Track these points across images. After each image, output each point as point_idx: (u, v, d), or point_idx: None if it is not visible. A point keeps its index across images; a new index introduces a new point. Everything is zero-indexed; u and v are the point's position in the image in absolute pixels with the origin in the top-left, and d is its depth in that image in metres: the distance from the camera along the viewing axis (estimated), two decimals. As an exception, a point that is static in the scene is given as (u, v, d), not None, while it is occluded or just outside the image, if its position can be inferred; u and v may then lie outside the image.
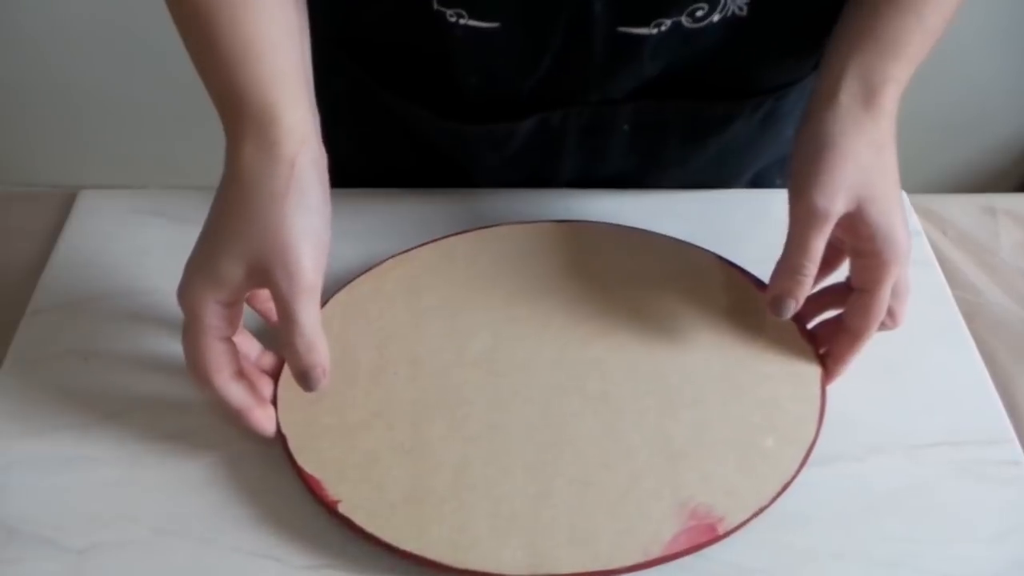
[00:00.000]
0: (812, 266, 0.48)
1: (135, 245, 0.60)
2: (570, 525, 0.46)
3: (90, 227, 0.61)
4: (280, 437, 0.48)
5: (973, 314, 0.60)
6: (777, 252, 0.55)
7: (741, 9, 0.52)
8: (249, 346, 0.51)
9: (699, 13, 0.51)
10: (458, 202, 0.63)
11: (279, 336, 0.46)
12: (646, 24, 0.51)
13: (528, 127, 0.59)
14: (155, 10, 0.48)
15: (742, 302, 0.55)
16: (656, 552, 0.45)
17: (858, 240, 0.48)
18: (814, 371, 0.52)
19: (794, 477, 0.47)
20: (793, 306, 0.49)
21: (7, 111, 1.53)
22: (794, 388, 0.51)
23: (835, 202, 0.46)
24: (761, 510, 0.46)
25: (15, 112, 1.53)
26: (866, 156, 0.47)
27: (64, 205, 0.64)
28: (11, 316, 0.56)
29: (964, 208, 0.67)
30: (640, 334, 0.53)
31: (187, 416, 0.51)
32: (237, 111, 0.45)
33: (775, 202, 0.57)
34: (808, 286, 0.48)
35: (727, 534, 0.45)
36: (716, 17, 0.52)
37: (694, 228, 0.59)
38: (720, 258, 0.57)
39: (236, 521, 0.47)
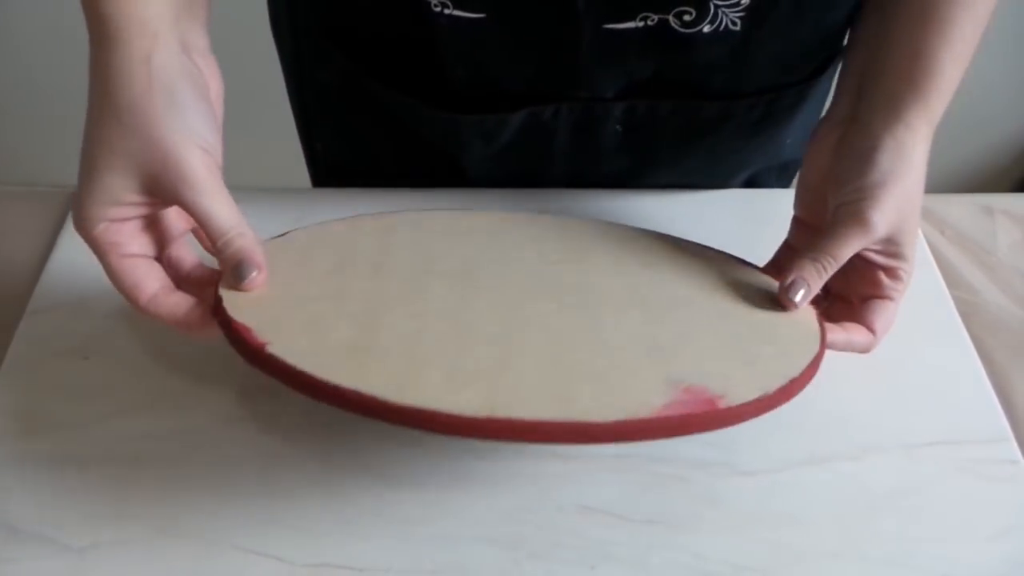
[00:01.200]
0: (835, 266, 0.48)
1: (135, 245, 0.60)
2: (540, 381, 0.39)
3: (90, 227, 0.61)
4: (215, 299, 0.43)
5: (970, 313, 0.60)
6: (773, 252, 0.55)
7: (735, 24, 0.52)
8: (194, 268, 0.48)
9: (687, 17, 0.51)
10: (453, 201, 0.63)
11: (208, 241, 0.44)
12: (632, 18, 0.52)
13: (519, 120, 0.59)
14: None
15: (735, 272, 0.52)
16: (644, 414, 0.37)
17: (886, 256, 0.49)
18: (810, 315, 0.48)
19: (802, 378, 0.43)
20: (805, 292, 0.48)
21: (7, 111, 1.53)
22: (790, 320, 0.47)
23: (885, 222, 0.47)
24: (767, 400, 0.40)
25: (15, 112, 1.53)
26: (914, 184, 0.49)
27: (64, 205, 0.64)
28: (11, 316, 0.56)
29: (962, 208, 0.68)
30: (628, 273, 0.50)
31: (187, 416, 0.51)
32: (92, 13, 0.43)
33: (772, 202, 0.57)
34: (822, 281, 0.49)
35: (730, 415, 0.39)
36: (707, 28, 0.52)
37: (690, 228, 0.59)
38: (717, 251, 0.55)
39: (236, 520, 0.47)
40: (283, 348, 0.39)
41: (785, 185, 0.72)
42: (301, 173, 0.77)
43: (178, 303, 0.44)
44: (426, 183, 0.65)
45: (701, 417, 0.38)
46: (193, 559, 0.46)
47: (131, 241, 0.43)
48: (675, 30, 0.52)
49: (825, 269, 0.48)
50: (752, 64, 0.56)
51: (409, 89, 0.59)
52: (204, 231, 0.43)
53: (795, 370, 0.42)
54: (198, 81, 0.44)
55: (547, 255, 0.51)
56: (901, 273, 0.49)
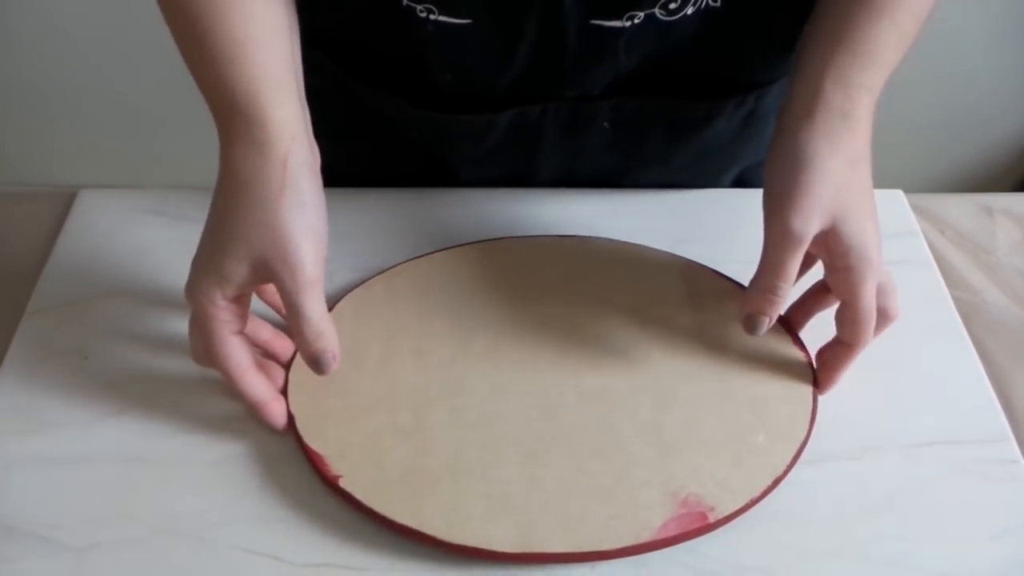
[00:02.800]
0: (787, 286, 0.48)
1: (135, 245, 0.60)
2: (561, 508, 0.46)
3: (90, 227, 0.62)
4: (289, 416, 0.50)
5: (970, 313, 0.60)
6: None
7: (715, 0, 0.52)
8: (261, 329, 0.52)
9: (672, 6, 0.51)
10: (446, 202, 0.63)
11: (289, 326, 0.47)
12: (619, 17, 0.52)
13: (506, 120, 0.59)
14: (155, 10, 0.48)
15: (735, 311, 0.55)
16: (646, 537, 0.45)
17: (832, 256, 0.48)
18: (805, 374, 0.52)
19: (785, 472, 0.48)
20: (767, 324, 0.50)
21: (7, 111, 1.53)
22: (785, 389, 0.52)
23: (810, 224, 0.46)
24: (752, 502, 0.47)
25: (15, 112, 1.53)
26: (841, 173, 0.47)
27: (64, 205, 0.64)
28: (11, 316, 0.56)
29: (961, 208, 0.67)
30: (637, 337, 0.54)
31: (186, 415, 0.51)
32: (227, 110, 0.46)
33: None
34: (781, 305, 0.49)
35: (718, 523, 0.46)
36: (690, 9, 0.52)
37: (683, 228, 0.60)
38: (714, 271, 0.58)
39: (236, 520, 0.47)
40: (353, 481, 0.47)
41: None
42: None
43: (259, 386, 0.48)
44: (416, 185, 0.65)
45: (693, 532, 0.46)
46: (193, 559, 0.46)
47: (236, 319, 0.47)
48: (660, 19, 0.52)
49: (775, 291, 0.48)
50: (736, 51, 0.56)
51: (396, 92, 0.59)
52: (291, 318, 0.46)
53: (780, 467, 0.48)
54: (318, 175, 0.48)
55: (569, 340, 0.54)
56: (852, 273, 0.47)
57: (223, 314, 0.46)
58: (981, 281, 0.62)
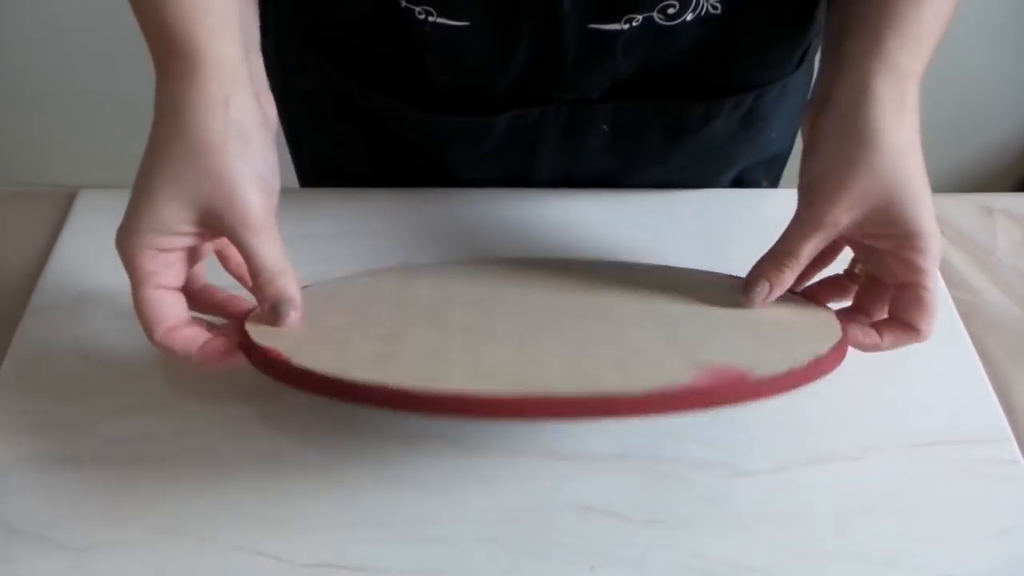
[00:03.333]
0: (798, 266, 0.48)
1: (135, 245, 0.60)
2: (564, 367, 0.39)
3: (90, 227, 0.62)
4: (241, 332, 0.45)
5: (970, 313, 0.60)
6: (762, 252, 0.55)
7: (715, 7, 0.52)
8: (215, 292, 0.49)
9: (671, 11, 0.51)
10: (446, 202, 0.64)
11: (248, 274, 0.45)
12: (617, 20, 0.52)
13: (505, 122, 0.59)
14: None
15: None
16: (673, 389, 0.37)
17: (893, 241, 0.46)
18: (825, 309, 0.49)
19: (827, 359, 0.42)
20: (765, 292, 0.48)
21: (7, 111, 1.53)
22: (807, 316, 0.48)
23: (843, 218, 0.45)
24: (795, 378, 0.39)
25: (15, 112, 1.53)
26: (890, 164, 0.45)
27: (64, 205, 0.64)
28: (11, 316, 0.56)
29: (961, 208, 0.67)
30: (644, 295, 0.51)
31: (187, 416, 0.51)
32: (164, 46, 0.43)
33: (763, 202, 0.57)
34: (787, 282, 0.48)
35: (759, 389, 0.38)
36: (689, 16, 0.52)
37: (681, 228, 0.60)
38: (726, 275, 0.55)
39: (236, 520, 0.47)
40: (309, 361, 0.40)
41: (774, 178, 0.73)
42: (288, 175, 0.77)
43: (194, 337, 0.45)
44: (416, 185, 0.65)
45: (731, 389, 0.37)
46: (193, 559, 0.46)
47: (167, 271, 0.44)
48: (659, 24, 0.52)
49: (787, 267, 0.47)
50: (736, 54, 0.56)
51: (394, 93, 0.59)
52: (249, 267, 0.44)
53: (821, 350, 0.42)
54: (268, 126, 0.45)
55: (564, 283, 0.52)
56: (913, 253, 0.45)
57: (150, 264, 0.43)
58: (981, 281, 0.62)
